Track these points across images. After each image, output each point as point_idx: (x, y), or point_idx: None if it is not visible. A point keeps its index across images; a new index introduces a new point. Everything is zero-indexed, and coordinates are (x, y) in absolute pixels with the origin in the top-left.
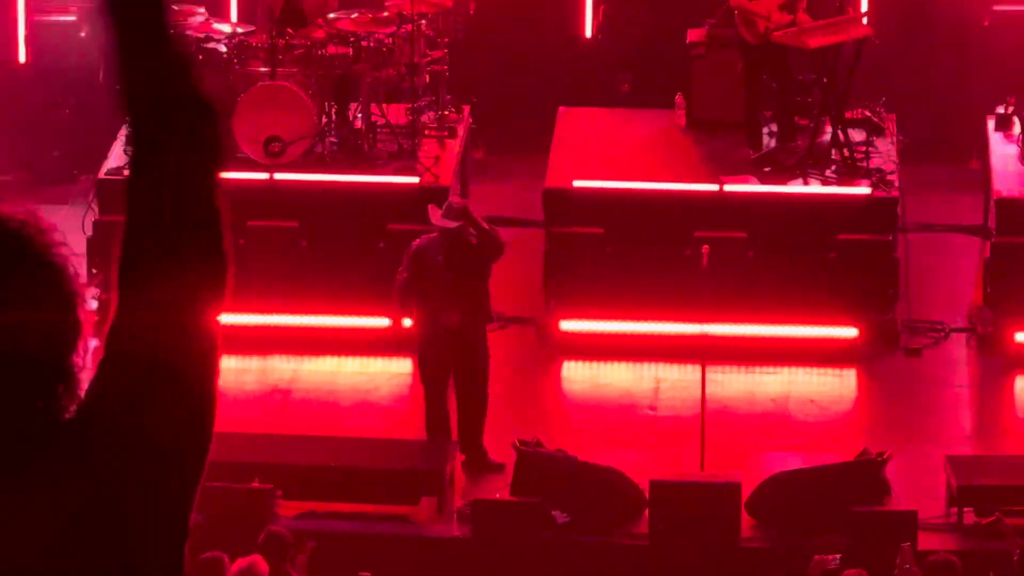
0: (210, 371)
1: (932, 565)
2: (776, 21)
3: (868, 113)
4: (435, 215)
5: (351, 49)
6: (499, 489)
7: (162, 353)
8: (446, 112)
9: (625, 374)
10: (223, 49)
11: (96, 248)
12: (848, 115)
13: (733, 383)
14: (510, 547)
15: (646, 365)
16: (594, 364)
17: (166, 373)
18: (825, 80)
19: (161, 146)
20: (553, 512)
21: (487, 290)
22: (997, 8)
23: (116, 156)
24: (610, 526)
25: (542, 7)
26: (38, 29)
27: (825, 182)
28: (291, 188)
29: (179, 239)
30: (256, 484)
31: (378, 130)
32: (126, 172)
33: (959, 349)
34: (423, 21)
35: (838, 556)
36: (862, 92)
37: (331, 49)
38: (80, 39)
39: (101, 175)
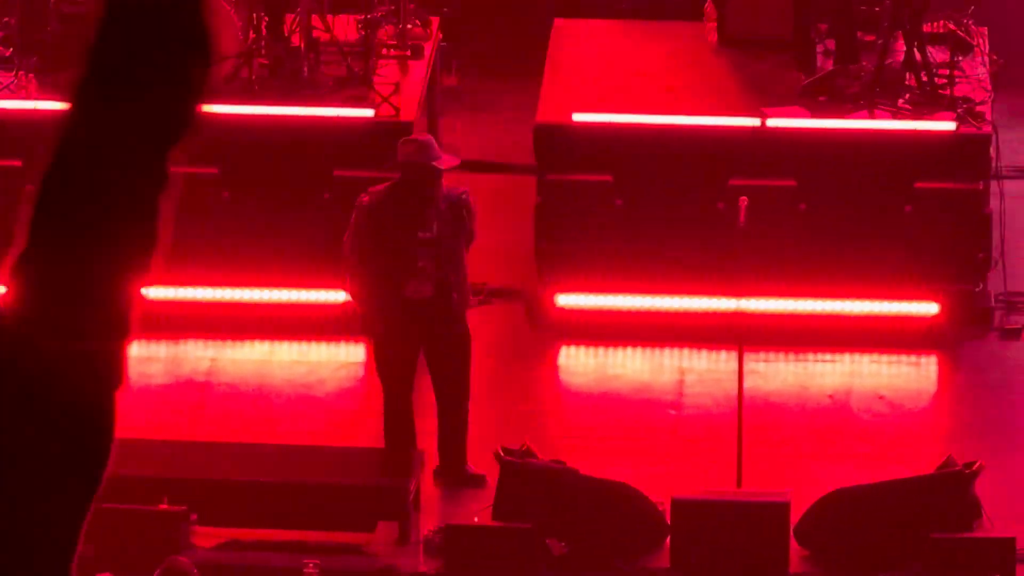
0: (114, 363)
1: None
2: None
3: (953, 26)
4: (421, 152)
5: None
6: (478, 511)
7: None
8: (409, 26)
9: (640, 363)
10: None
11: None
12: (927, 29)
13: (779, 374)
14: None
15: (667, 352)
16: (600, 350)
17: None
18: None
19: (137, 76)
20: (548, 541)
21: (465, 257)
22: None
23: None
24: (621, 557)
25: None
26: None
27: (897, 115)
28: (209, 124)
29: (120, 204)
30: (165, 505)
31: (321, 49)
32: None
33: None
34: None
35: None
36: (945, 0)
37: None
38: None
39: None
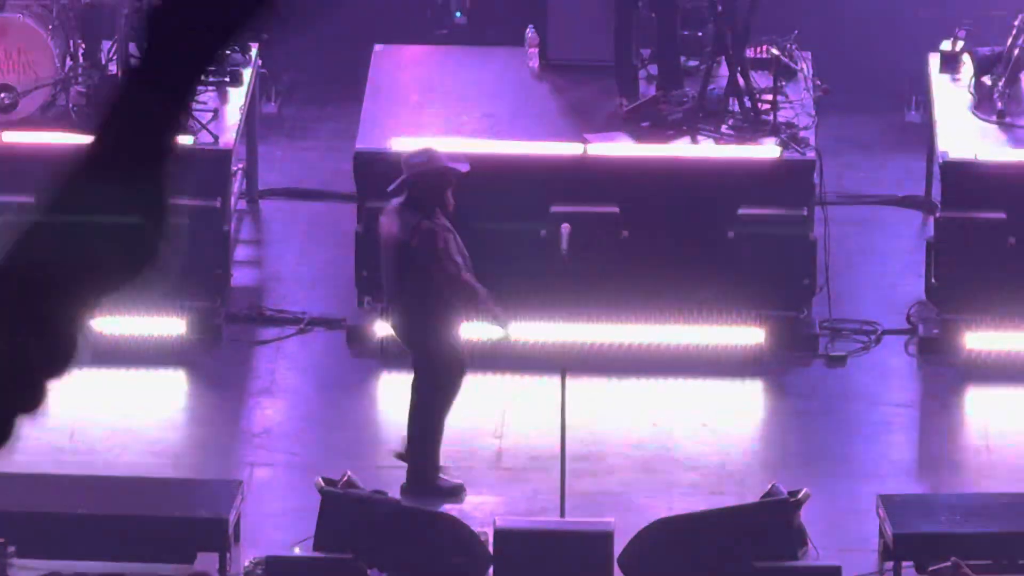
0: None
1: None
2: None
3: (776, 52)
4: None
5: None
6: (299, 542)
7: None
8: (228, 52)
9: (464, 390)
10: None
11: None
12: (750, 54)
13: (602, 401)
14: None
15: (491, 377)
16: None
17: None
18: (720, 8)
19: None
20: (369, 571)
21: None
22: None
23: None
24: None
25: None
26: None
27: (720, 141)
28: (25, 152)
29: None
30: None
31: None
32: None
33: (895, 357)
34: None
35: None
36: (769, 25)
37: None
38: None
39: None
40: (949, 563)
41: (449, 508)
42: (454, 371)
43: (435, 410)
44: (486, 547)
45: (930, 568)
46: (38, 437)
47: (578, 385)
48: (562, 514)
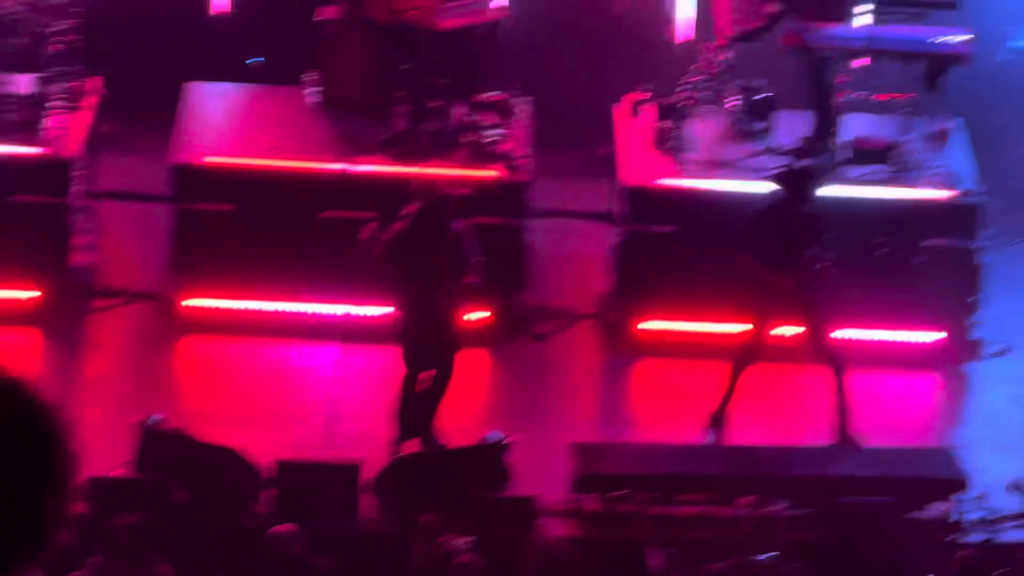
0: None
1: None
2: (409, 1)
3: (502, 96)
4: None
5: None
6: (120, 466)
7: None
8: (75, 83)
9: (250, 352)
10: None
11: None
12: (481, 98)
13: (365, 366)
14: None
15: (271, 344)
16: (218, 342)
17: None
18: (458, 61)
19: None
20: (173, 490)
21: None
22: None
23: None
24: (228, 506)
25: None
26: None
27: (456, 165)
28: None
29: None
30: None
31: (3, 99)
32: None
33: (586, 335)
34: None
35: (470, 539)
36: (497, 75)
37: None
38: None
39: None
40: (626, 491)
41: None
42: None
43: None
44: (260, 474)
45: (610, 495)
46: None
47: (349, 351)
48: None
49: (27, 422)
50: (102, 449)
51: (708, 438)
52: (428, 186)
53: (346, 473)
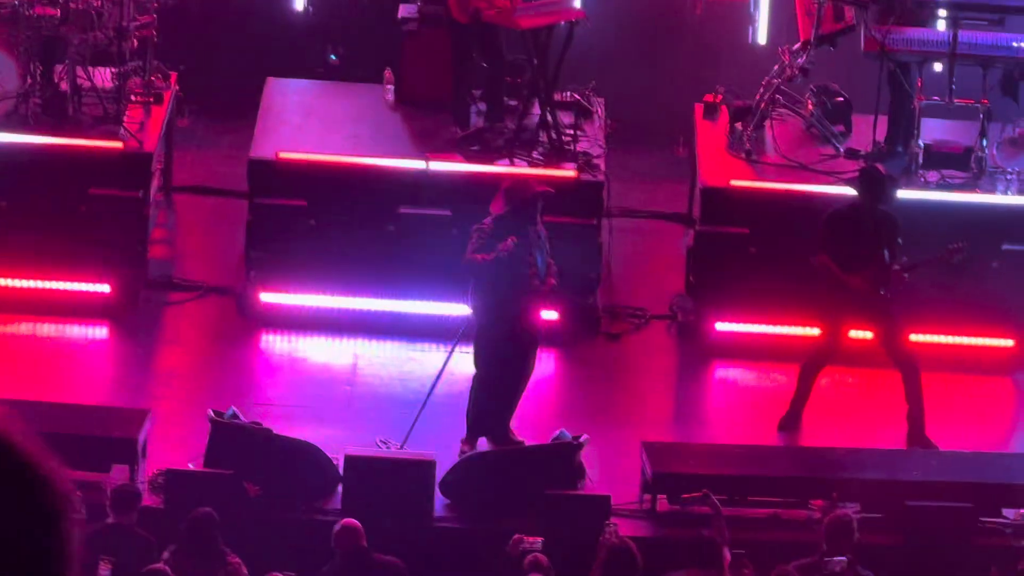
0: None
1: (610, 550)
2: (489, 0)
3: (577, 96)
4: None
5: (59, 11)
6: (193, 459)
7: None
8: (153, 78)
9: (323, 348)
10: None
11: None
12: (557, 97)
13: (434, 361)
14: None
15: (345, 340)
16: (293, 337)
17: None
18: (535, 61)
19: None
20: (246, 484)
21: None
22: None
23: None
24: (303, 501)
25: None
26: None
27: (532, 163)
28: None
29: None
30: None
31: (83, 94)
32: None
33: (659, 336)
34: None
35: (540, 539)
36: (572, 75)
37: (38, 10)
38: None
39: None
40: (701, 494)
41: (310, 440)
42: None
43: None
44: (337, 470)
45: (683, 495)
46: None
47: (416, 348)
48: (402, 447)
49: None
50: (176, 442)
51: (781, 440)
52: (518, 186)
53: (419, 469)
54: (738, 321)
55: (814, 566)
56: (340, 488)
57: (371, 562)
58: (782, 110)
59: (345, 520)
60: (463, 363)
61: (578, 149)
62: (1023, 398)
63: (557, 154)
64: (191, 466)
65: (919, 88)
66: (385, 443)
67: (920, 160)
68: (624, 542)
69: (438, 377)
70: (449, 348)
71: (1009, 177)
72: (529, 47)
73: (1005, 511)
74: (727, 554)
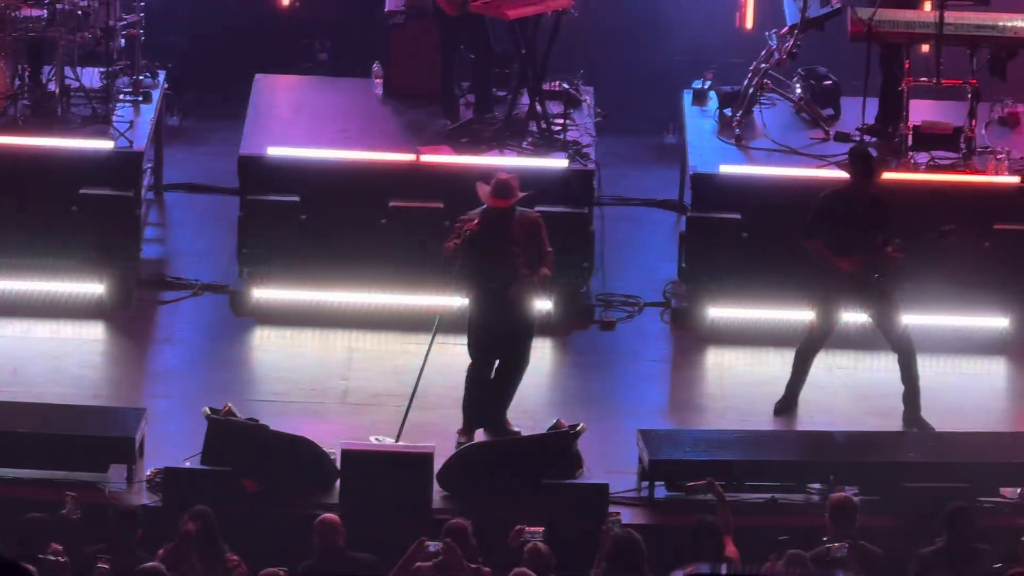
0: None
1: (615, 542)
2: None
3: (566, 86)
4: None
5: (45, 11)
6: (190, 457)
7: None
8: (141, 77)
9: (318, 343)
10: None
11: None
12: (546, 88)
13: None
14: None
15: (339, 334)
16: (287, 332)
17: None
18: (524, 51)
19: None
20: (244, 481)
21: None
22: None
23: None
24: (300, 496)
25: None
26: None
27: (521, 154)
28: None
29: None
30: None
31: (72, 94)
32: None
33: (653, 323)
34: None
35: (541, 529)
36: (561, 65)
37: (24, 11)
38: None
39: None
40: (704, 481)
41: (306, 435)
42: None
43: None
44: (334, 464)
45: (687, 484)
46: None
47: (409, 341)
48: (397, 439)
49: None
50: (172, 440)
51: (777, 424)
52: (505, 180)
53: (417, 462)
54: (732, 306)
55: (813, 551)
56: (337, 482)
57: (344, 559)
58: (771, 95)
59: (324, 515)
60: (459, 354)
61: (568, 138)
62: (1017, 377)
63: (547, 144)
64: (188, 464)
65: (907, 70)
66: (380, 440)
67: (909, 142)
68: (629, 533)
69: (421, 370)
70: (428, 341)
71: (998, 157)
72: (517, 37)
73: (1003, 490)
74: (730, 542)
